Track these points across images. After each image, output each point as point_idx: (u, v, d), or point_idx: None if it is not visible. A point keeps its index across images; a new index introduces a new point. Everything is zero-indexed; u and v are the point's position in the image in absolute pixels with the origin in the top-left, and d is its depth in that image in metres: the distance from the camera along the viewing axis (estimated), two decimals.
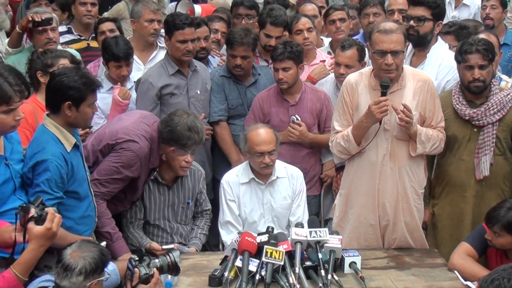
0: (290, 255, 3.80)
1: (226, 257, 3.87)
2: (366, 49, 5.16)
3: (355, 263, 3.89)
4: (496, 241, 3.87)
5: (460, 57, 4.43)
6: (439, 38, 5.07)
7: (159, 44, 5.83)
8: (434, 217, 4.72)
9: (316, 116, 5.16)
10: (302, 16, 5.73)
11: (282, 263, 3.69)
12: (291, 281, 3.62)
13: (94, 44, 6.03)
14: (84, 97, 3.73)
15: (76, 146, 3.82)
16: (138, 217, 4.65)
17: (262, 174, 4.68)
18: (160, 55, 5.66)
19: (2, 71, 3.44)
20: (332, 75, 5.41)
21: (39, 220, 3.10)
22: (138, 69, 5.54)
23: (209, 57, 5.79)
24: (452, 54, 4.73)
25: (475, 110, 4.46)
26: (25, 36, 5.48)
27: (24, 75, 4.41)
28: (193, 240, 4.72)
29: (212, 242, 5.06)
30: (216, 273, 3.74)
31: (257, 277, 3.66)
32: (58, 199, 3.65)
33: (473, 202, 4.55)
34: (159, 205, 4.68)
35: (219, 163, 5.41)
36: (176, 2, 6.87)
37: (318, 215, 5.15)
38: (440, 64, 4.93)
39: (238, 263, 3.72)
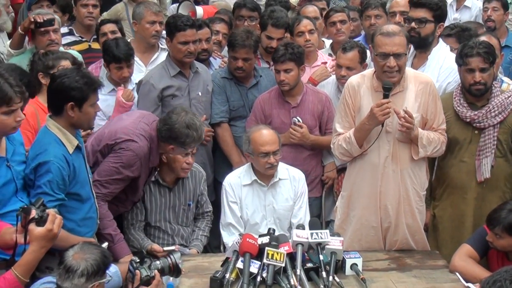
0: (291, 256, 3.80)
1: (227, 258, 3.87)
2: (367, 51, 5.17)
3: (356, 264, 3.89)
4: (497, 243, 3.86)
5: (461, 60, 4.43)
6: (440, 40, 5.07)
7: (160, 45, 5.83)
8: (435, 219, 4.72)
9: (318, 118, 5.16)
10: (304, 18, 5.73)
11: (283, 264, 3.69)
12: (292, 283, 3.62)
13: (95, 45, 6.04)
14: (86, 97, 3.74)
15: (78, 148, 3.82)
16: (139, 219, 4.65)
17: (264, 176, 4.68)
18: (161, 56, 5.66)
19: (2, 72, 3.44)
20: (333, 77, 5.40)
21: (40, 221, 3.09)
22: (139, 71, 5.54)
23: (211, 58, 5.80)
24: (453, 56, 4.73)
25: (476, 112, 4.46)
26: (26, 38, 5.49)
27: None
28: (194, 242, 4.73)
29: (213, 244, 5.06)
30: (217, 275, 3.73)
31: (258, 279, 3.65)
32: (59, 201, 3.66)
33: (474, 204, 4.55)
34: (160, 207, 4.69)
35: (220, 164, 5.41)
36: (177, 4, 6.89)
37: (320, 217, 5.15)
38: (441, 66, 4.93)
39: (239, 264, 3.72)
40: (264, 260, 3.67)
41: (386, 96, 4.11)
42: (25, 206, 3.18)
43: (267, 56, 5.68)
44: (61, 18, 6.07)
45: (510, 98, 4.46)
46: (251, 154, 4.65)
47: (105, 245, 3.44)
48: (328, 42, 6.22)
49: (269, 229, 4.05)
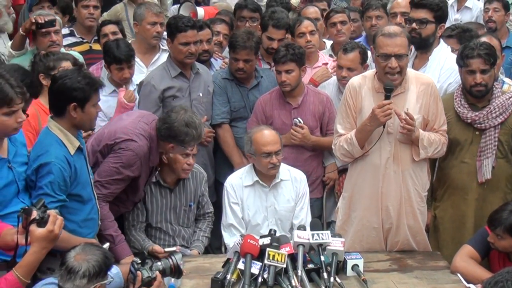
0: (293, 257, 3.80)
1: (228, 259, 3.87)
2: (368, 52, 5.17)
3: (357, 265, 3.88)
4: (498, 244, 3.86)
5: (462, 62, 4.43)
6: (441, 40, 5.07)
7: (161, 46, 5.83)
8: (436, 219, 4.72)
9: (319, 119, 5.16)
10: (305, 19, 5.73)
11: (284, 265, 3.69)
12: (293, 284, 3.61)
13: (96, 46, 6.04)
14: (88, 97, 3.75)
15: (79, 149, 3.82)
16: (140, 220, 4.65)
17: (266, 176, 4.68)
18: (162, 57, 5.66)
19: (3, 72, 3.44)
20: (334, 77, 5.40)
21: (41, 222, 3.09)
22: (140, 72, 5.54)
23: (212, 59, 5.80)
24: (454, 57, 4.73)
25: (477, 113, 4.46)
26: (28, 39, 5.49)
27: None
28: (195, 243, 4.73)
29: (215, 245, 5.06)
30: (218, 276, 3.73)
31: (260, 279, 3.65)
32: (61, 202, 3.66)
33: (475, 205, 4.55)
34: (161, 207, 4.69)
35: (221, 165, 5.41)
36: (178, 5, 6.90)
37: (321, 218, 5.15)
38: (442, 67, 4.92)
39: (241, 265, 3.72)
40: (265, 261, 3.67)
41: (387, 97, 4.10)
42: (26, 207, 3.17)
43: (268, 57, 5.68)
44: (61, 19, 6.08)
45: (511, 99, 4.46)
46: (253, 154, 4.65)
47: (106, 246, 3.44)
48: (329, 43, 6.23)
49: (270, 230, 4.05)
